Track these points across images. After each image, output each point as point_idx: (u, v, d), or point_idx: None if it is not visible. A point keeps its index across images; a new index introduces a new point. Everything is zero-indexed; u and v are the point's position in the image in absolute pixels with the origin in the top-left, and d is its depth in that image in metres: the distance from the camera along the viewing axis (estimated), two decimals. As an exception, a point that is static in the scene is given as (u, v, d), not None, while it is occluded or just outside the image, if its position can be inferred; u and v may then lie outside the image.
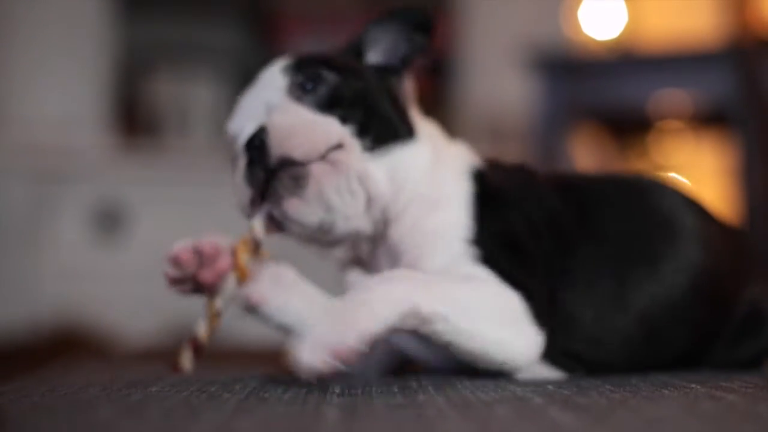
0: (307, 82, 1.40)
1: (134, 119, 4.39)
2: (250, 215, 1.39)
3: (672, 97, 3.50)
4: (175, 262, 1.42)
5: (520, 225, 1.44)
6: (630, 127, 4.02)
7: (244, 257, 1.42)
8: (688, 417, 1.06)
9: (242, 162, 1.37)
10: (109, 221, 4.13)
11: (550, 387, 1.31)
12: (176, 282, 1.44)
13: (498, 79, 4.35)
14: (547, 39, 3.97)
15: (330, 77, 1.40)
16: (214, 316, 1.46)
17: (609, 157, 4.07)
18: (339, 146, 1.37)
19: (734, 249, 1.68)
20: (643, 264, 1.52)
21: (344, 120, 1.38)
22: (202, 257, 1.42)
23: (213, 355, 1.54)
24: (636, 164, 4.14)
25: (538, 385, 1.32)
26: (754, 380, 1.38)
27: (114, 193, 4.12)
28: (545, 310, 1.38)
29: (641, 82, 3.49)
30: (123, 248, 4.12)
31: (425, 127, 1.51)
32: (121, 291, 4.03)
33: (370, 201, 1.40)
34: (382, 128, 1.41)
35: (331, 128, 1.37)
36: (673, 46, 3.54)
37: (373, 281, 1.28)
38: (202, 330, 1.49)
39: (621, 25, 4.03)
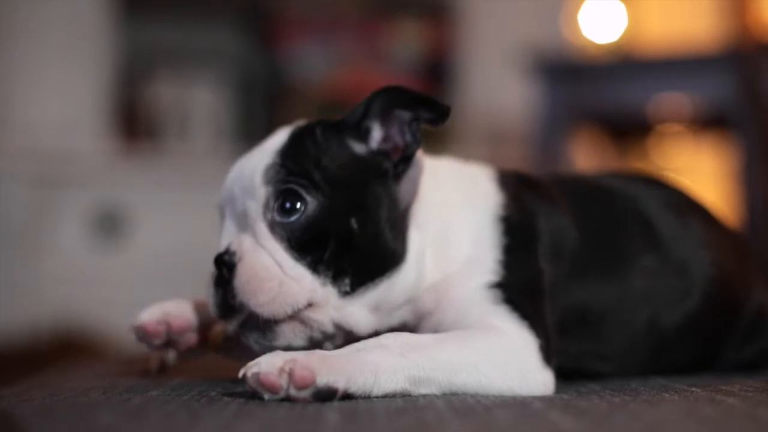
0: (285, 201, 1.28)
1: (134, 123, 4.38)
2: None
3: (672, 100, 3.51)
4: (143, 331, 1.40)
5: (539, 263, 1.41)
6: (630, 130, 4.02)
7: (214, 344, 1.42)
8: (688, 420, 1.06)
9: (211, 274, 1.31)
10: (110, 225, 4.12)
11: (550, 391, 1.31)
12: (143, 342, 1.42)
13: (498, 82, 4.35)
14: (548, 42, 3.97)
15: (308, 204, 1.28)
16: (185, 355, 1.48)
17: (609, 160, 4.07)
18: (309, 305, 1.28)
19: (740, 254, 1.68)
20: (649, 275, 1.52)
21: (317, 265, 1.28)
22: (169, 331, 1.40)
23: (213, 359, 1.55)
24: (636, 167, 4.13)
25: (538, 389, 1.32)
26: (755, 384, 1.38)
27: (114, 197, 4.12)
28: (553, 342, 1.36)
29: (641, 86, 3.49)
30: (123, 252, 4.12)
31: (447, 190, 1.41)
32: (122, 295, 4.03)
33: (351, 336, 1.32)
34: (362, 267, 1.30)
35: (301, 286, 1.27)
36: (673, 49, 3.54)
37: (365, 343, 1.23)
38: (170, 357, 1.50)
39: (621, 29, 4.02)
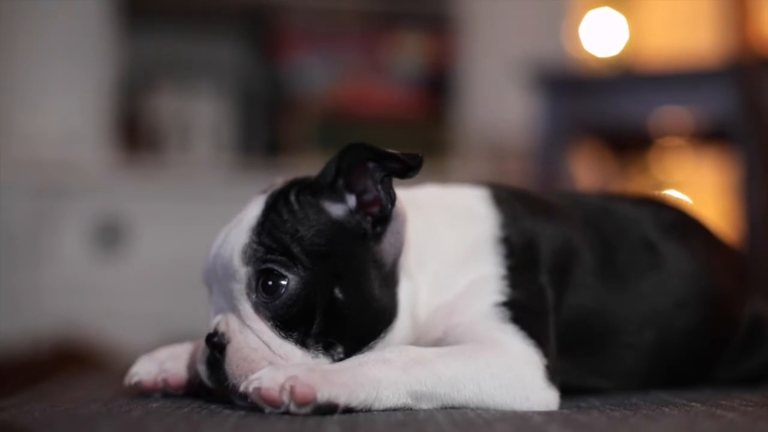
0: (267, 280, 1.26)
1: (136, 134, 4.39)
2: None
3: (673, 114, 3.51)
4: (140, 386, 1.41)
5: (543, 281, 1.40)
6: (631, 144, 4.03)
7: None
8: (688, 435, 1.06)
9: (205, 350, 1.31)
10: (110, 236, 4.13)
11: (550, 405, 1.30)
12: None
13: (499, 96, 4.35)
14: (549, 56, 3.98)
15: (289, 282, 1.26)
16: None
17: (610, 174, 4.08)
18: None
19: (738, 272, 1.68)
20: (650, 295, 1.52)
21: (305, 340, 1.26)
22: (167, 387, 1.40)
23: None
24: (637, 181, 4.14)
25: (538, 403, 1.32)
26: (754, 399, 1.38)
27: (115, 208, 4.12)
28: (555, 358, 1.36)
29: (642, 99, 3.49)
30: (124, 263, 4.12)
31: (438, 222, 1.40)
32: (122, 306, 4.03)
33: None
34: (353, 334, 1.28)
35: (290, 364, 1.25)
36: (673, 63, 3.54)
37: (368, 357, 1.23)
38: None
39: (622, 43, 4.04)
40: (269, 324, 1.27)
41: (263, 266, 1.27)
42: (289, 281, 1.26)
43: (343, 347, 1.28)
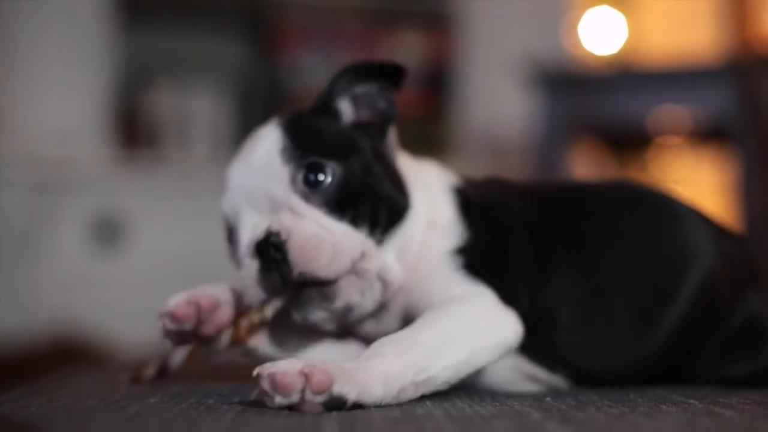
0: (310, 173, 1.36)
1: (134, 131, 4.39)
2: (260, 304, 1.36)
3: (671, 112, 3.51)
4: (173, 317, 1.38)
5: (502, 229, 1.47)
6: (629, 142, 4.03)
7: (244, 331, 1.39)
8: (686, 433, 1.06)
9: (252, 264, 1.34)
10: (109, 232, 4.13)
11: (548, 401, 1.31)
12: (171, 334, 1.40)
13: (498, 93, 4.36)
14: (548, 54, 3.98)
15: (335, 170, 1.36)
16: (193, 356, 1.45)
17: (608, 171, 4.08)
18: (362, 255, 1.35)
19: (734, 265, 1.63)
20: (624, 273, 1.52)
21: (356, 221, 1.36)
22: (200, 311, 1.39)
23: (212, 366, 1.55)
24: (635, 179, 4.14)
25: (536, 400, 1.32)
26: (752, 396, 1.37)
27: (114, 204, 4.12)
28: (528, 311, 1.41)
29: (641, 98, 3.50)
30: (122, 259, 4.12)
31: (408, 166, 1.50)
32: (120, 301, 4.03)
33: (386, 288, 1.39)
34: (388, 215, 1.39)
35: (352, 240, 1.34)
36: (673, 61, 3.55)
37: (365, 355, 1.26)
38: (176, 361, 1.48)
39: (621, 41, 4.04)
40: (323, 210, 1.35)
41: (307, 161, 1.36)
42: (334, 170, 1.36)
43: (382, 228, 1.38)
